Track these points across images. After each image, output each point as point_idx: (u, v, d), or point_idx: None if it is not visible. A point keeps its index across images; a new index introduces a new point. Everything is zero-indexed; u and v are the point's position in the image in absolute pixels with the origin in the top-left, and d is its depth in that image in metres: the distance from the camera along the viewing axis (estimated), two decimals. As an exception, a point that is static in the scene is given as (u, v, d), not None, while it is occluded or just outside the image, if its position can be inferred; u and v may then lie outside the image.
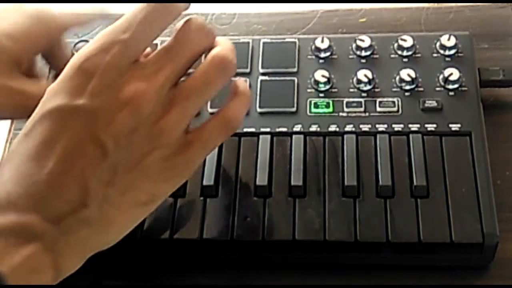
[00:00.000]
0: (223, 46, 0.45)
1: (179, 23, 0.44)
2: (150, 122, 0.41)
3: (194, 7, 0.73)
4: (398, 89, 0.60)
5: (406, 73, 0.60)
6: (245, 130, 0.59)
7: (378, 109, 0.59)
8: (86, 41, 0.65)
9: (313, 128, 0.59)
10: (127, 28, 0.42)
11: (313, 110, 0.60)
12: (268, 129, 0.59)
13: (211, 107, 0.60)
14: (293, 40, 0.64)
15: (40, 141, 0.40)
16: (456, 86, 0.60)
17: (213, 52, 0.44)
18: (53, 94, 0.42)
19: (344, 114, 0.59)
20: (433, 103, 0.59)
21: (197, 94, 0.43)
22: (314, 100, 0.60)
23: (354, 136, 0.58)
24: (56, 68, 0.56)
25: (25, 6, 0.53)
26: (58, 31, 0.54)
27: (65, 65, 0.44)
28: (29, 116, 0.43)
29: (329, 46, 0.63)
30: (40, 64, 0.56)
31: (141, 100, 0.41)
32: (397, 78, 0.61)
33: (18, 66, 0.51)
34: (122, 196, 0.42)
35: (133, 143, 0.41)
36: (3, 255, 0.38)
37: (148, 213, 0.45)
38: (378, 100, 0.60)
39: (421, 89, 0.60)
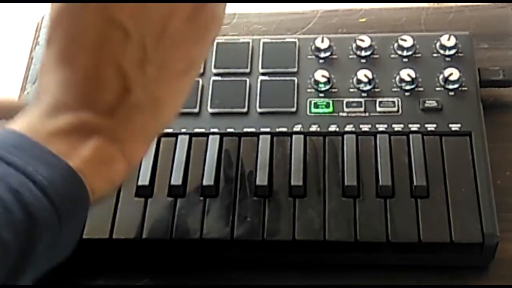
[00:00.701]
0: None
1: None
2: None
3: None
4: (398, 89, 0.60)
5: (406, 73, 0.60)
6: (245, 130, 0.59)
7: (378, 109, 0.59)
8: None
9: (313, 128, 0.59)
10: None
11: (313, 110, 0.60)
12: (268, 129, 0.59)
13: (211, 107, 0.60)
14: (293, 40, 0.64)
15: (63, 44, 0.41)
16: (456, 86, 0.60)
17: None
18: None
19: (344, 114, 0.59)
20: (433, 103, 0.59)
21: None
22: (314, 100, 0.60)
23: (354, 136, 0.58)
24: None
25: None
26: None
27: None
28: None
29: (329, 46, 0.63)
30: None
31: None
32: (397, 78, 0.61)
33: None
34: (161, 70, 0.42)
35: (150, 13, 0.41)
36: (70, 152, 0.38)
37: (192, 81, 0.45)
38: (378, 100, 0.60)
39: (421, 89, 0.60)
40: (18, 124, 0.39)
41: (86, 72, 0.40)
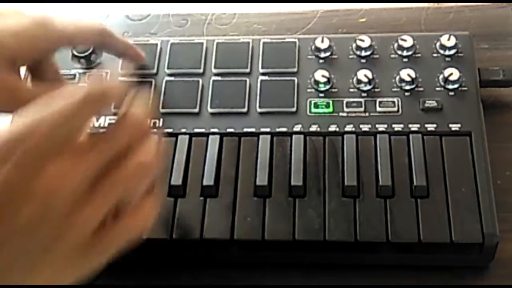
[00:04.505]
0: (151, 144, 0.43)
1: (121, 111, 0.42)
2: (60, 216, 0.39)
3: (194, 7, 0.74)
4: (398, 89, 0.60)
5: (406, 73, 0.60)
6: (245, 130, 0.59)
7: (378, 109, 0.59)
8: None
9: (313, 128, 0.59)
10: (57, 110, 0.39)
11: (313, 110, 0.60)
12: (268, 129, 0.59)
13: (211, 107, 0.60)
14: (293, 40, 0.64)
15: None
16: (456, 86, 0.60)
17: (148, 156, 0.42)
18: None
19: (344, 114, 0.59)
20: (433, 103, 0.59)
21: (116, 193, 0.41)
22: (314, 100, 0.60)
23: (354, 136, 0.58)
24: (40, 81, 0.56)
25: (29, 11, 0.55)
26: (56, 41, 0.55)
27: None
28: None
29: (329, 46, 0.63)
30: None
31: (54, 195, 0.38)
32: (397, 78, 0.61)
33: (14, 65, 0.52)
34: (22, 279, 0.39)
35: (37, 235, 0.39)
36: None
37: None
38: (378, 100, 0.60)
39: (421, 89, 0.60)
40: None
41: None
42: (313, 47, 0.63)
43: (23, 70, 0.55)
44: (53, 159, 0.38)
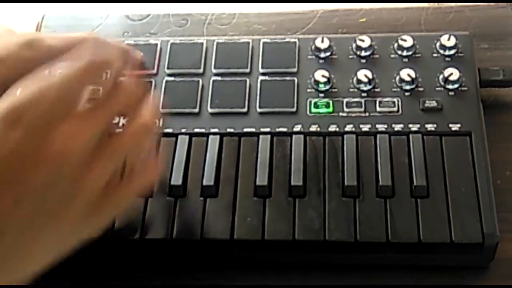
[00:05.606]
0: (149, 106, 0.47)
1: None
2: (70, 177, 0.41)
3: (194, 7, 0.74)
4: (398, 89, 0.60)
5: (406, 73, 0.60)
6: (245, 130, 0.59)
7: (378, 109, 0.59)
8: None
9: (313, 128, 0.59)
10: (62, 76, 0.42)
11: (313, 110, 0.60)
12: (268, 129, 0.59)
13: (211, 107, 0.60)
14: (293, 40, 0.64)
15: None
16: (456, 86, 0.60)
17: (147, 117, 0.46)
18: None
19: (344, 114, 0.59)
20: (433, 103, 0.59)
21: (121, 153, 0.45)
22: (314, 100, 0.60)
23: (354, 136, 0.58)
24: None
25: (17, 31, 0.54)
26: (46, 58, 0.54)
27: None
28: None
29: (329, 46, 0.63)
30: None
31: (64, 157, 0.40)
32: (397, 78, 0.61)
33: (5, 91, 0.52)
34: (33, 242, 0.41)
35: (50, 196, 0.41)
36: None
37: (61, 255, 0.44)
38: (378, 100, 0.60)
39: (421, 89, 0.60)
40: None
41: None
42: (313, 47, 0.63)
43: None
44: (60, 124, 0.41)
